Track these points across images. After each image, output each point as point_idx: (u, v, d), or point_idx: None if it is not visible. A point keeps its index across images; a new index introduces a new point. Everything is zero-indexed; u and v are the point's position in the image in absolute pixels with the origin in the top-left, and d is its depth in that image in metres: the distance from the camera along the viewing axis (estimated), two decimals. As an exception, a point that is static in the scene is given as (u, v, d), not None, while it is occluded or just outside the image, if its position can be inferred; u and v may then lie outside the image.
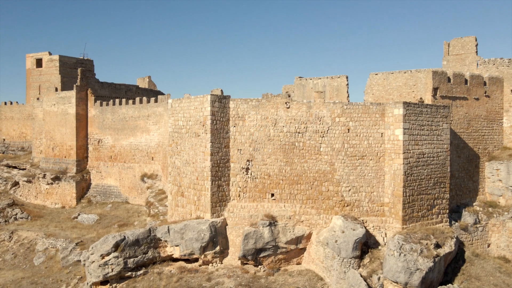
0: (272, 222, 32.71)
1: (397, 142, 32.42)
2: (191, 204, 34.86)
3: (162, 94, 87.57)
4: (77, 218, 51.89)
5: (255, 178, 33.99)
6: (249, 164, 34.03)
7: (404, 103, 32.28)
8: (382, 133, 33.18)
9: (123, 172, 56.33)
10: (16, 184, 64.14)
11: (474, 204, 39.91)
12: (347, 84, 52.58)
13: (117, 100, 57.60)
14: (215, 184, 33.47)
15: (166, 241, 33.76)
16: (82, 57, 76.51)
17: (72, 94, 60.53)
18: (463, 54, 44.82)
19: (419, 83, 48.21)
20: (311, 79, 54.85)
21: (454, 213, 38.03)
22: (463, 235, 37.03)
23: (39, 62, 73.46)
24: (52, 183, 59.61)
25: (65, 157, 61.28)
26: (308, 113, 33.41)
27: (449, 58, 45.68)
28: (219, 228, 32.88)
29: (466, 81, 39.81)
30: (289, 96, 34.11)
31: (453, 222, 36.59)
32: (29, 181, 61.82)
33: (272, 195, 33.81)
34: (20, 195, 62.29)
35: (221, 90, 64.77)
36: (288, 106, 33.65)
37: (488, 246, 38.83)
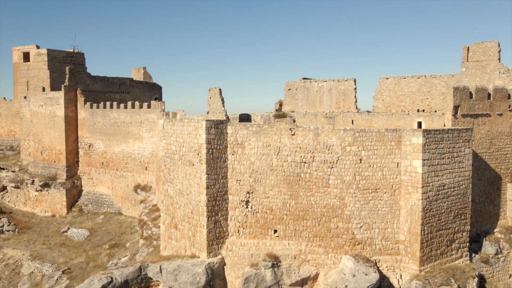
0: (275, 263, 29.47)
1: (415, 174, 28.87)
2: (185, 239, 31.57)
3: (159, 86, 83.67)
4: (66, 232, 48.80)
5: (256, 212, 30.60)
6: (249, 197, 30.59)
7: (424, 131, 28.61)
8: (398, 163, 29.60)
9: (116, 180, 52.97)
10: (4, 188, 60.85)
11: (495, 230, 36.64)
12: (355, 88, 48.79)
13: (108, 103, 53.77)
14: (212, 220, 30.10)
15: (158, 281, 30.61)
16: (72, 50, 72.32)
17: (60, 95, 56.66)
18: (484, 61, 40.79)
19: (434, 89, 44.44)
20: (316, 82, 50.99)
21: (474, 243, 34.76)
22: (483, 268, 33.86)
23: (26, 56, 69.20)
24: (41, 190, 56.32)
25: (54, 162, 57.80)
26: (316, 141, 29.77)
27: (468, 65, 41.67)
28: (216, 270, 29.67)
29: (489, 95, 36.00)
30: (294, 121, 30.38)
31: (473, 254, 33.34)
32: (17, 187, 58.52)
33: (275, 231, 30.49)
34: (9, 201, 59.08)
35: (220, 89, 60.93)
36: (293, 133, 29.98)
37: (510, 277, 35.71)
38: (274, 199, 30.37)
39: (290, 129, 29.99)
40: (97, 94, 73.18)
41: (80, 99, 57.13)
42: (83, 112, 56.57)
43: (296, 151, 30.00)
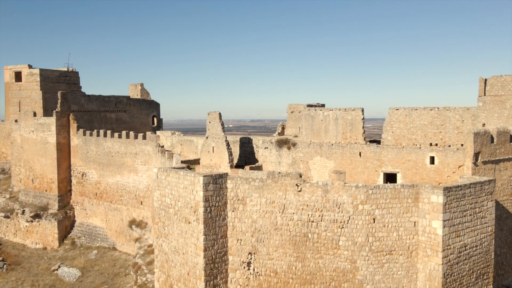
0: (279, 333, 26.72)
1: (435, 236, 26.10)
2: (181, 302, 28.82)
3: (156, 103, 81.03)
4: (57, 270, 46.07)
5: (259, 275, 27.83)
6: (251, 258, 27.83)
7: (445, 189, 25.83)
8: (415, 222, 26.85)
9: (110, 213, 50.22)
10: (-6, 217, 58.15)
11: (517, 284, 33.92)
12: (363, 119, 45.97)
13: (101, 131, 50.99)
14: (210, 285, 27.33)
15: None
16: (66, 69, 69.64)
17: (51, 121, 53.92)
18: (503, 96, 38.00)
19: (447, 123, 41.68)
20: (321, 110, 48.16)
21: (495, 300, 32.04)
22: (506, 329, 31.13)
23: (18, 76, 66.44)
24: (32, 221, 53.62)
25: (46, 190, 55.10)
26: (325, 198, 27.01)
27: (485, 99, 38.88)
28: None
29: (511, 137, 33.26)
30: (300, 176, 27.59)
31: (495, 315, 30.64)
32: (7, 217, 55.82)
33: (280, 296, 27.70)
34: (-2, 231, 56.40)
35: (219, 114, 58.25)
36: (299, 189, 27.22)
37: (534, 335, 33.01)
38: (279, 261, 27.60)
39: (297, 184, 27.23)
40: (92, 114, 70.70)
41: (73, 125, 54.41)
42: (76, 139, 53.85)
43: (303, 209, 27.25)
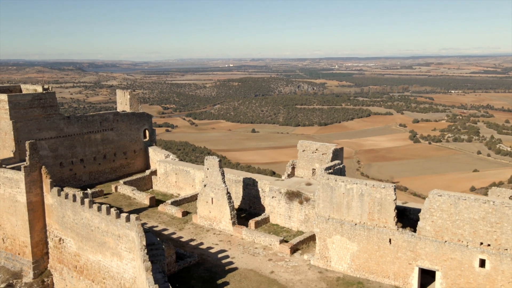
0: None
1: None
2: None
3: (148, 115, 71.93)
4: None
5: None
6: None
7: None
8: None
9: (92, 294, 42.94)
10: (-37, 274, 51.12)
11: None
12: (395, 200, 37.53)
13: (78, 198, 42.39)
14: None
15: None
16: (41, 88, 60.02)
17: (20, 177, 45.32)
18: None
19: (505, 221, 33.46)
20: (343, 182, 39.49)
21: None
22: None
23: (-16, 100, 57.00)
24: (4, 290, 46.64)
25: (19, 254, 47.60)
26: None
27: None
28: None
29: None
30: None
31: None
32: (-23, 280, 48.73)
33: None
34: (-32, 295, 49.51)
35: (219, 161, 49.67)
36: None
37: None
38: None
39: None
40: (74, 138, 62.31)
41: (46, 181, 45.82)
42: (50, 198, 45.53)
43: None
